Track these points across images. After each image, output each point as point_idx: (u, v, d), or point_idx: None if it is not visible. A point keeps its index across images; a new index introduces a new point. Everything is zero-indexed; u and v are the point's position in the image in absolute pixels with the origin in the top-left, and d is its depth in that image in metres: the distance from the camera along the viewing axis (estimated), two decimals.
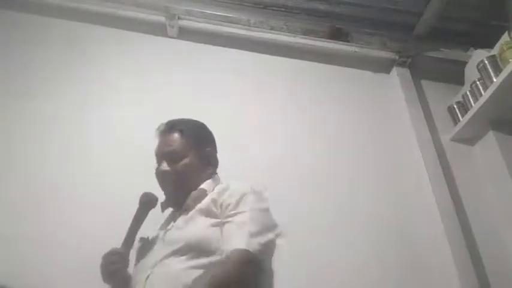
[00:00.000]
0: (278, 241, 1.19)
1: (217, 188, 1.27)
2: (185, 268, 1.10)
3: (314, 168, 2.13)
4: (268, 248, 1.15)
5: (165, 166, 1.32)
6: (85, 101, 2.15)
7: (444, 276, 1.89)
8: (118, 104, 2.14)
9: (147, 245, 1.27)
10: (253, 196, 1.20)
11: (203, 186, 1.31)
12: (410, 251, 1.96)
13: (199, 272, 1.08)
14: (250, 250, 1.08)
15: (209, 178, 1.35)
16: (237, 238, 1.10)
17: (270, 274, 1.20)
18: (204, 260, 1.11)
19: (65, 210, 1.78)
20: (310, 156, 2.17)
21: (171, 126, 1.40)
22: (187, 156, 1.33)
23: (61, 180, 1.86)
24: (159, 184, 1.34)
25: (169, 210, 1.38)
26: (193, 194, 1.29)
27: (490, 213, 2.08)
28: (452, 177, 2.20)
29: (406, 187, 2.16)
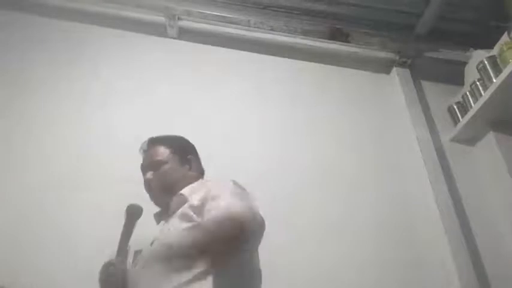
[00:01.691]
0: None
1: (198, 193, 1.27)
2: (163, 273, 1.11)
3: (314, 168, 2.13)
4: (258, 223, 1.14)
5: (148, 175, 1.40)
6: (85, 101, 2.15)
7: (444, 276, 1.89)
8: (118, 104, 2.15)
9: (139, 256, 1.29)
10: (234, 184, 1.24)
11: (183, 191, 1.31)
12: (410, 251, 1.95)
13: (177, 274, 1.09)
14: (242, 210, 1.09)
15: (194, 182, 1.38)
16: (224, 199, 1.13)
17: (257, 267, 1.22)
18: (180, 263, 1.11)
19: (65, 211, 1.78)
20: (310, 156, 2.17)
21: (151, 142, 1.47)
22: (168, 162, 1.40)
23: (61, 181, 1.86)
24: (148, 195, 1.40)
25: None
26: (174, 200, 1.31)
27: (490, 213, 2.07)
28: (452, 178, 2.19)
29: (406, 187, 2.16)
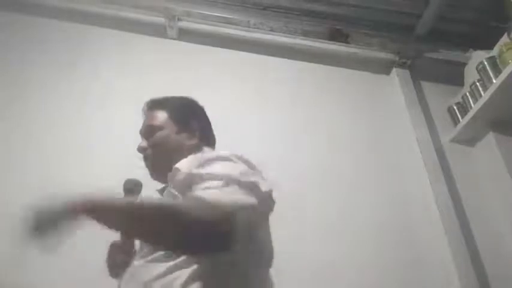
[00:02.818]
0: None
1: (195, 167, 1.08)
2: (154, 257, 1.01)
3: (314, 169, 2.13)
4: (244, 211, 0.93)
5: (142, 143, 1.27)
6: (85, 102, 2.15)
7: (444, 276, 1.89)
8: (118, 105, 2.14)
9: None
10: (232, 160, 1.05)
11: (178, 165, 1.13)
12: (410, 251, 1.95)
13: (163, 260, 0.98)
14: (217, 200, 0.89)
15: (192, 153, 1.20)
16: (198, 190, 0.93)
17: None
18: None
19: None
20: (310, 157, 2.17)
21: (152, 105, 1.35)
22: (164, 128, 1.25)
23: (61, 182, 1.85)
24: (149, 172, 1.28)
25: None
26: (169, 176, 1.14)
27: (490, 214, 2.08)
28: (452, 178, 2.19)
29: (406, 188, 2.16)
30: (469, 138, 2.32)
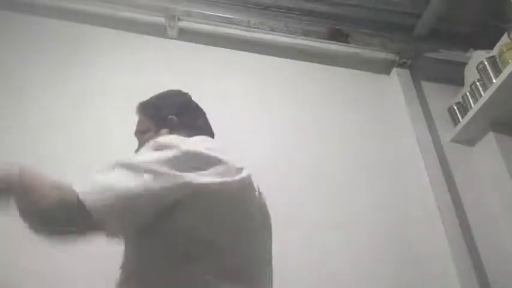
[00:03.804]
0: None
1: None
2: None
3: (313, 169, 2.13)
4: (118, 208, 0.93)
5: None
6: (83, 102, 2.14)
7: (444, 276, 1.89)
8: (117, 105, 2.14)
9: None
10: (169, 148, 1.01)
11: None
12: (410, 251, 1.95)
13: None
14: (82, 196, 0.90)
15: None
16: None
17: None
18: None
19: None
20: (310, 156, 2.17)
21: (138, 110, 1.38)
22: (149, 131, 1.29)
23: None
24: None
25: None
26: None
27: (490, 214, 2.08)
28: (452, 178, 2.19)
29: (406, 188, 2.16)
30: (469, 138, 2.31)
